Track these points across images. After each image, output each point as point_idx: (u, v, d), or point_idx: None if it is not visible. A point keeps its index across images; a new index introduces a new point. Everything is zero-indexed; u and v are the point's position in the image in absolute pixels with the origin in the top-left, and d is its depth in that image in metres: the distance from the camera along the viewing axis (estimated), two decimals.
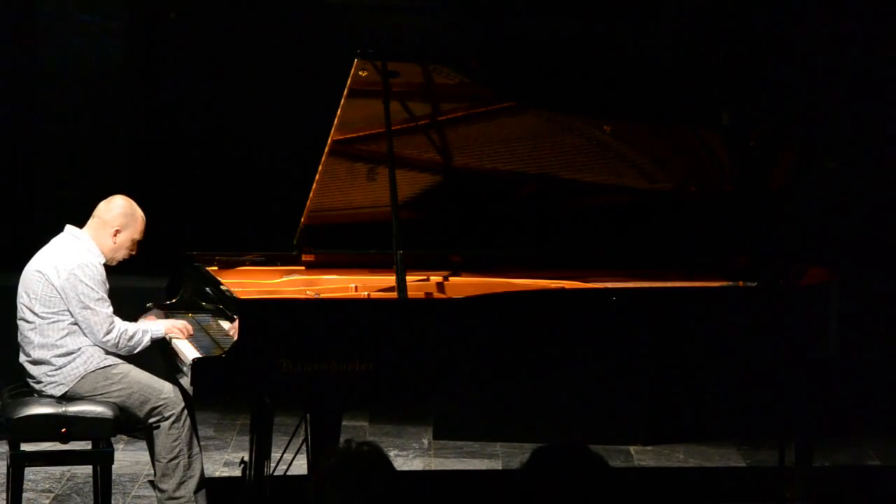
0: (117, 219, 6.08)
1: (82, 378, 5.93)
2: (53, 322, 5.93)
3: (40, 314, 5.94)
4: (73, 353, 5.93)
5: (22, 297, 6.02)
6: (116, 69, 9.13)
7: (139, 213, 6.13)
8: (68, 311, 5.93)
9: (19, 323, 6.02)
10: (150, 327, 6.02)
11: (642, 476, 7.40)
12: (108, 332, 5.92)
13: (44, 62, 9.10)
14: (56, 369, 5.94)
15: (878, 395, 8.38)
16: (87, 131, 9.12)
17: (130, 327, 5.98)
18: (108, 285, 6.02)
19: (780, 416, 6.55)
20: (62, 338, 5.93)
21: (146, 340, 5.98)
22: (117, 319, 5.97)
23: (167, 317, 6.30)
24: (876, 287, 8.67)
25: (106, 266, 6.07)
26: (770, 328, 6.14)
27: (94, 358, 5.94)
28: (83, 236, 6.06)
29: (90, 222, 6.10)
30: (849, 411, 8.00)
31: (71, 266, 5.93)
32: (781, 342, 6.16)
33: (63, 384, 5.93)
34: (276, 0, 9.23)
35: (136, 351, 6.00)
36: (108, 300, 5.98)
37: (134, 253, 6.16)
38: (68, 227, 6.10)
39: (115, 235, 6.07)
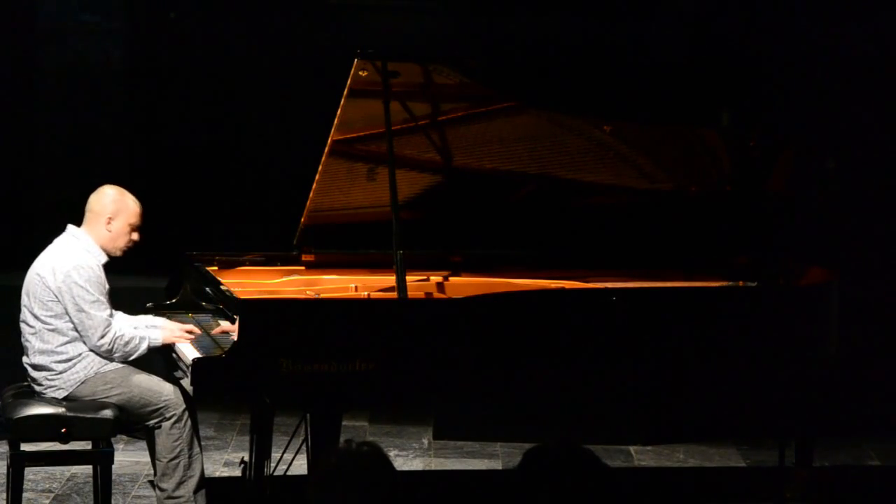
0: (108, 206, 6.04)
1: (82, 383, 5.92)
2: (53, 329, 5.91)
3: (40, 317, 5.93)
4: (73, 359, 5.92)
5: (24, 299, 6.01)
6: (117, 69, 9.13)
7: (130, 198, 6.08)
8: (67, 314, 5.92)
9: (21, 325, 6.01)
10: (149, 335, 5.96)
11: (642, 476, 7.40)
12: (102, 336, 5.87)
13: (44, 62, 9.09)
14: (56, 374, 5.93)
15: (878, 395, 8.38)
16: (88, 131, 9.12)
17: (127, 333, 5.93)
18: (107, 286, 5.98)
19: (781, 416, 6.54)
20: (62, 345, 5.92)
21: (143, 348, 5.94)
22: (114, 323, 5.94)
23: (168, 318, 6.29)
24: (876, 287, 8.67)
25: (113, 260, 6.04)
26: (770, 328, 6.13)
27: (94, 363, 5.93)
28: (82, 235, 6.04)
29: (85, 217, 6.07)
30: (849, 411, 8.00)
31: (67, 268, 5.90)
32: (781, 342, 6.15)
33: (63, 388, 5.92)
34: (276, 0, 9.23)
35: (131, 358, 5.97)
36: (106, 303, 5.94)
37: (136, 239, 6.08)
38: (69, 227, 6.09)
39: (108, 224, 6.02)
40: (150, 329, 6.01)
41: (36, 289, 5.94)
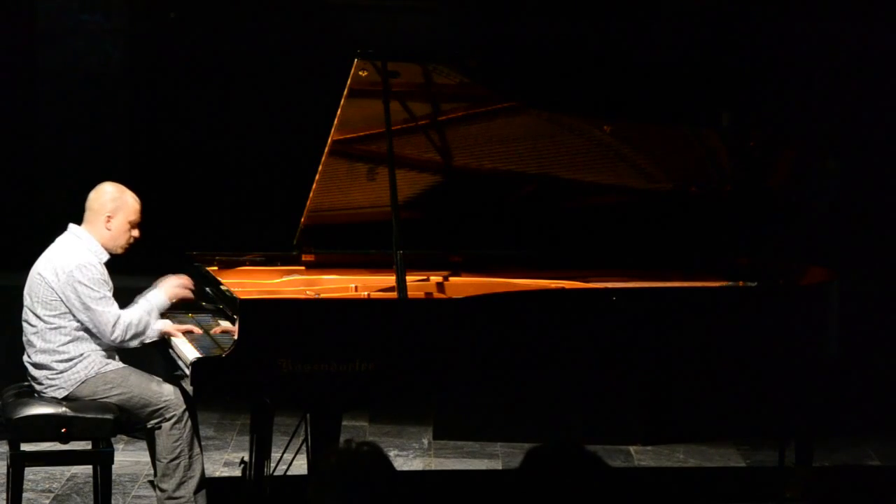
0: (107, 204, 6.04)
1: (82, 383, 5.92)
2: (55, 328, 5.92)
3: (43, 317, 5.93)
4: (74, 358, 5.92)
5: (25, 299, 6.01)
6: (116, 69, 9.13)
7: (129, 194, 6.07)
8: (70, 314, 5.91)
9: (23, 325, 6.01)
10: (152, 301, 5.96)
11: (642, 476, 7.40)
12: (114, 330, 5.89)
13: (44, 62, 9.09)
14: (57, 373, 5.93)
15: (878, 395, 8.38)
16: (87, 131, 9.12)
17: (134, 316, 5.93)
18: (111, 284, 5.99)
19: (780, 416, 6.54)
20: (64, 344, 5.92)
21: (152, 324, 5.94)
22: (123, 314, 5.94)
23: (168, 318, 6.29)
24: (876, 287, 8.67)
25: (112, 260, 6.04)
26: (770, 328, 6.13)
27: (95, 364, 5.93)
28: (83, 234, 6.03)
29: (85, 216, 6.07)
30: (849, 411, 8.00)
31: (69, 268, 5.91)
32: (781, 342, 6.16)
33: (64, 388, 5.93)
34: (276, 0, 9.23)
35: (147, 340, 5.96)
36: (112, 298, 5.95)
37: (136, 236, 6.09)
38: (71, 226, 6.08)
39: (108, 222, 6.02)
40: (153, 295, 6.01)
41: (38, 289, 5.95)
